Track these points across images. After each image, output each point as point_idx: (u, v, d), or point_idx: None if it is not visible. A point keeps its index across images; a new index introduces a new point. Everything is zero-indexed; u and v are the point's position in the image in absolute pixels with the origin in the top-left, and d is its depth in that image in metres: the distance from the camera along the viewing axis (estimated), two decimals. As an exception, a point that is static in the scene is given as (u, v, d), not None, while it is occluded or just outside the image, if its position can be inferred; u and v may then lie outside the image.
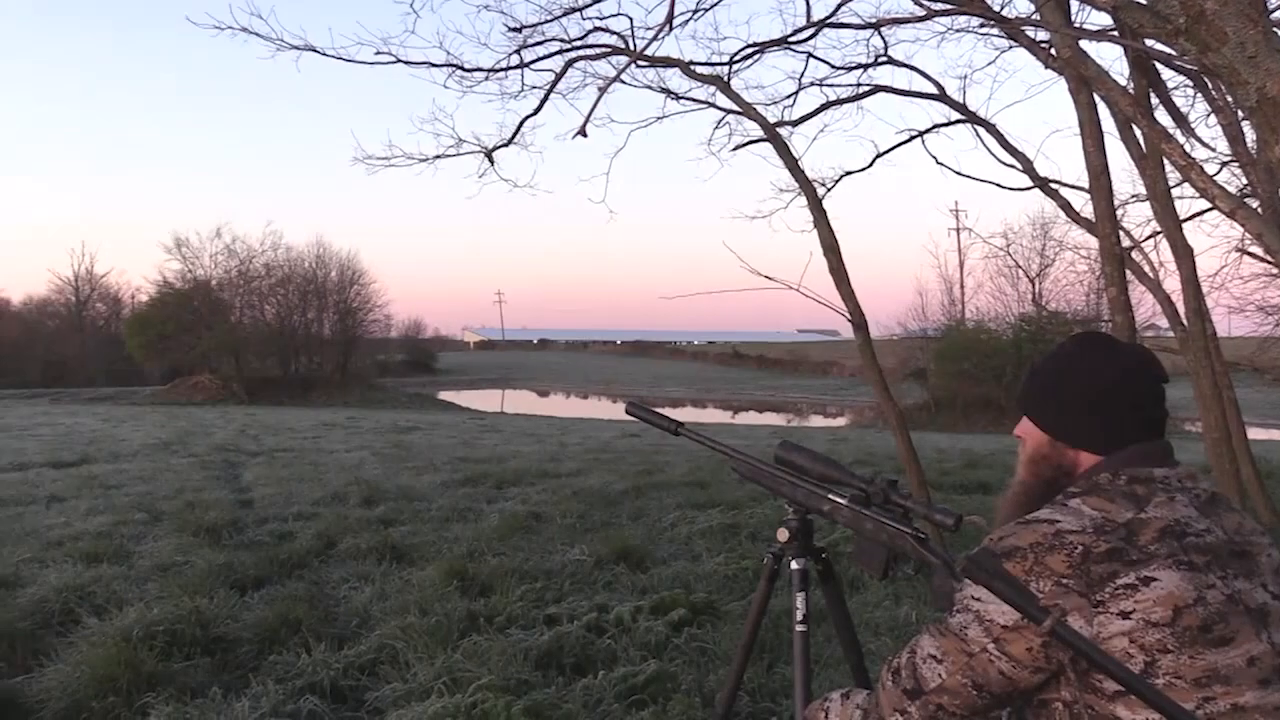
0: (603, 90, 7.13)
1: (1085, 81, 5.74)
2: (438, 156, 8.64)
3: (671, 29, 7.01)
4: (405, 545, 6.82)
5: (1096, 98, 5.98)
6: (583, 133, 7.33)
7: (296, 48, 7.75)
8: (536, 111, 8.46)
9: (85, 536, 7.07)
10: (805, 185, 7.06)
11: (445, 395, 54.62)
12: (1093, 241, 8.71)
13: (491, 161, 8.82)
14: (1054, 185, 8.08)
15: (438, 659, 4.20)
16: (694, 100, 8.36)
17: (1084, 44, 5.51)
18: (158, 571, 6.03)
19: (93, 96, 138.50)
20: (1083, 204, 7.50)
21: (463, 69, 8.23)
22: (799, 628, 1.99)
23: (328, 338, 50.97)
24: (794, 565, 2.01)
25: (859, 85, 8.35)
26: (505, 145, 8.74)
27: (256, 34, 7.59)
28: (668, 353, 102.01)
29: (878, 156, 8.49)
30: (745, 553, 6.38)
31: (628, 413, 2.27)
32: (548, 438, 18.42)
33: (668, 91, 8.35)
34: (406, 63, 8.05)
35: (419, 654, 4.33)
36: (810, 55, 8.27)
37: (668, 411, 2.21)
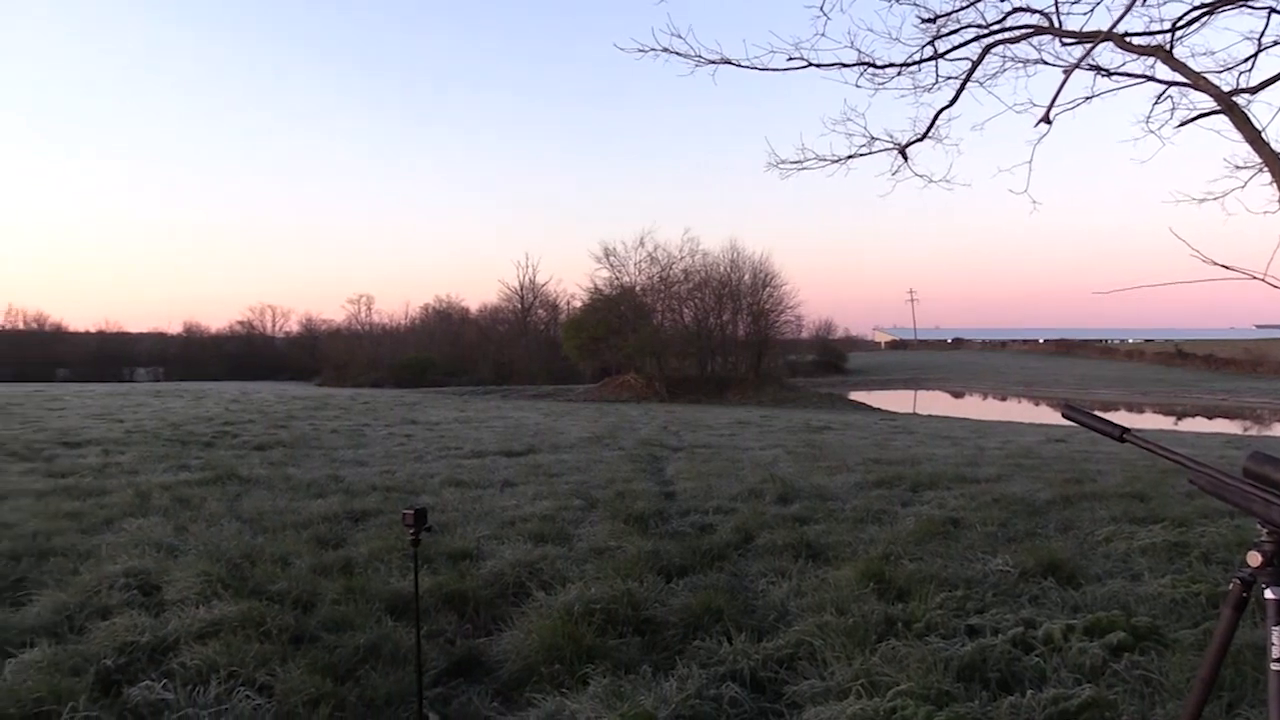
0: (1067, 74, 6.65)
1: None
2: (850, 156, 8.59)
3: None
4: (820, 544, 6.91)
5: None
6: (1046, 119, 6.98)
7: (713, 62, 8.09)
8: (952, 103, 8.15)
9: (533, 519, 7.97)
10: (1270, 160, 6.20)
11: (856, 395, 54.63)
12: None
13: (905, 158, 8.63)
14: None
15: (855, 660, 4.22)
16: (1128, 75, 7.59)
17: None
18: (594, 554, 6.63)
19: (531, 120, 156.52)
20: None
21: (874, 66, 8.13)
22: (1275, 666, 1.76)
23: (742, 339, 53.07)
24: (1269, 594, 1.78)
25: (1338, 37, 7.15)
26: (919, 140, 8.51)
27: (676, 53, 8.04)
28: (1097, 351, 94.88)
29: (1366, 120, 7.22)
30: (1196, 575, 5.72)
31: (1065, 416, 2.13)
32: (964, 440, 17.76)
33: (1097, 68, 7.65)
34: (818, 65, 8.09)
35: (836, 653, 4.37)
36: (1272, 10, 7.22)
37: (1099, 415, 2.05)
